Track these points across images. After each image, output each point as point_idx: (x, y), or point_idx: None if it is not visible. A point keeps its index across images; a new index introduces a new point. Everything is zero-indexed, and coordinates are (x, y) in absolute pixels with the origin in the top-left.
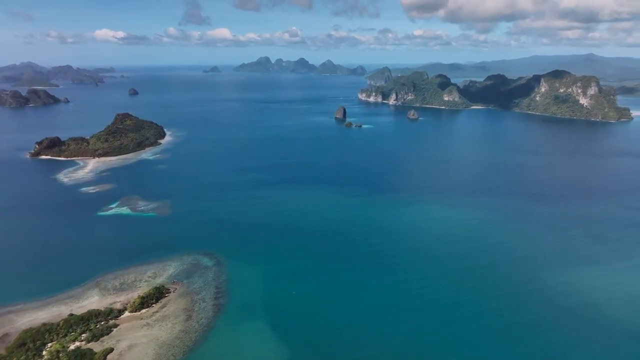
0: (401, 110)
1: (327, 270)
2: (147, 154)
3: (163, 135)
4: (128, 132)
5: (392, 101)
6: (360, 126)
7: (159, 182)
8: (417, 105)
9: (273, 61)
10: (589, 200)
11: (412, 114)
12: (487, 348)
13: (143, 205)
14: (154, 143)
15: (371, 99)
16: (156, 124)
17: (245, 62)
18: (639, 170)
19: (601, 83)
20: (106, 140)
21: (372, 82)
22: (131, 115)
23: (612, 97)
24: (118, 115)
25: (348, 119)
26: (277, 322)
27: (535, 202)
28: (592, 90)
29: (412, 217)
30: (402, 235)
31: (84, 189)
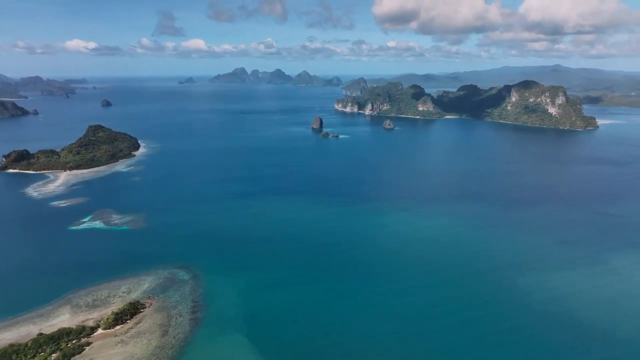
0: (377, 120)
1: (306, 281)
2: (120, 166)
3: (137, 147)
4: (101, 144)
5: (368, 111)
6: (337, 136)
7: (134, 195)
8: (393, 115)
9: (249, 72)
10: (559, 206)
11: (387, 123)
12: (468, 356)
13: (117, 219)
14: (128, 155)
15: (347, 109)
16: (130, 136)
17: (221, 73)
18: (605, 176)
19: (568, 93)
20: (78, 153)
21: (348, 93)
22: (104, 127)
23: (578, 106)
24: (90, 127)
25: (325, 129)
26: (256, 335)
27: (508, 209)
28: (560, 100)
29: (389, 226)
30: (380, 243)
31: (55, 203)
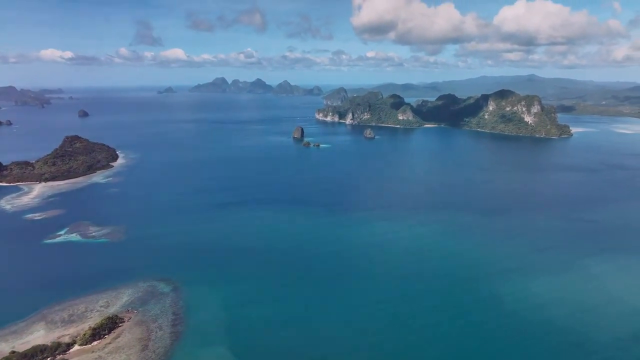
0: (358, 129)
1: (289, 292)
2: (98, 177)
3: (115, 158)
4: (78, 155)
5: (348, 120)
6: (319, 145)
7: (112, 207)
8: (373, 124)
9: (229, 82)
10: (535, 213)
11: (368, 133)
12: None
13: (94, 231)
14: (106, 166)
15: (328, 119)
16: (108, 146)
17: (201, 83)
18: (579, 183)
19: (542, 102)
20: (54, 164)
21: (328, 102)
22: (81, 138)
23: (553, 115)
24: (67, 137)
25: (306, 139)
26: (238, 348)
27: (486, 216)
28: (536, 109)
29: (371, 236)
30: (362, 253)
31: (29, 215)
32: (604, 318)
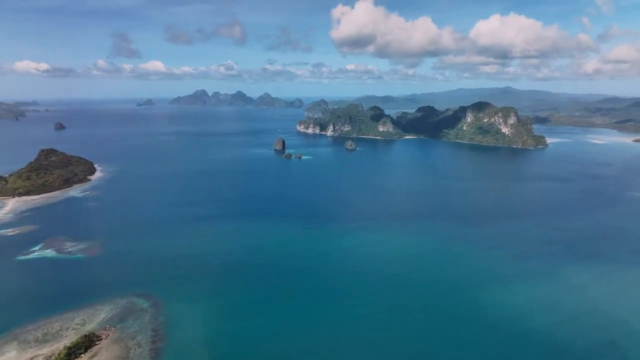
0: (339, 141)
1: (271, 306)
2: (75, 191)
3: (93, 171)
4: (53, 168)
5: (329, 132)
6: (300, 157)
7: (89, 221)
8: (354, 136)
9: (210, 94)
10: (513, 222)
11: (349, 144)
12: None
13: (71, 247)
14: (83, 180)
15: (309, 131)
16: (85, 160)
17: (181, 95)
18: (554, 193)
19: (519, 113)
20: (28, 178)
21: (309, 114)
22: (57, 151)
23: (529, 126)
24: (42, 151)
25: (287, 151)
26: None
27: (465, 226)
28: (512, 120)
29: (353, 247)
30: (345, 265)
31: (1, 231)
32: (583, 325)
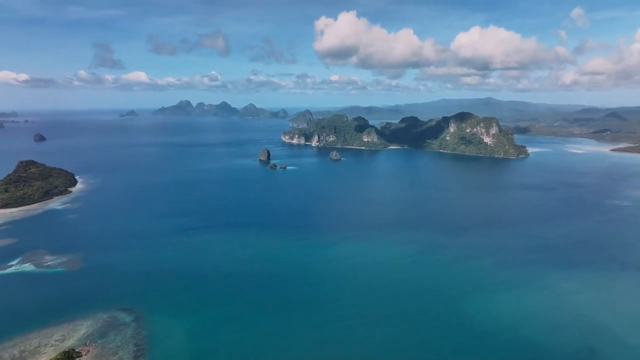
0: (324, 151)
1: (257, 318)
2: (55, 203)
3: (74, 183)
4: (33, 180)
5: (314, 143)
6: (285, 168)
7: (70, 234)
8: (339, 146)
9: (194, 104)
10: (494, 230)
11: (334, 154)
12: None
13: (50, 260)
14: (64, 192)
15: (294, 141)
16: (66, 171)
17: (165, 106)
18: (535, 201)
19: (500, 123)
20: (6, 191)
21: (294, 125)
22: (37, 163)
23: (510, 136)
24: (21, 162)
25: (272, 161)
26: None
27: (448, 234)
28: (494, 130)
29: (338, 257)
30: (330, 275)
31: None
32: (567, 333)
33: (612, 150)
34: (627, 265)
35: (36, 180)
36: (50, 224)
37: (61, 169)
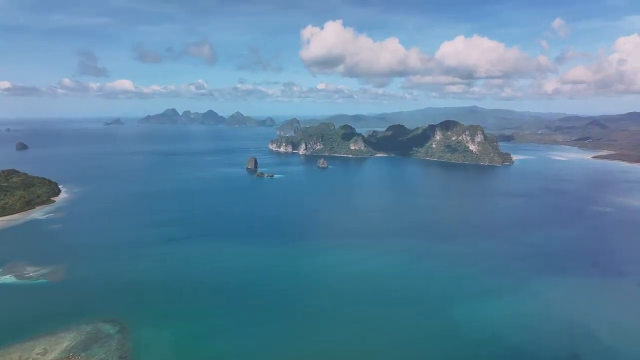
0: (311, 159)
1: (244, 328)
2: (38, 213)
3: (58, 192)
4: (14, 190)
5: (302, 151)
6: (272, 176)
7: (53, 244)
8: (326, 154)
9: (181, 113)
10: (481, 238)
11: (321, 162)
12: None
13: (32, 272)
14: (47, 201)
15: (282, 149)
16: (49, 180)
17: (151, 114)
18: (520, 208)
19: (485, 131)
20: None
21: (281, 133)
22: (19, 172)
23: (495, 143)
24: (2, 171)
25: (260, 169)
26: None
27: (435, 242)
28: (479, 138)
29: (325, 266)
30: (317, 284)
31: None
32: (553, 340)
33: (593, 157)
34: (611, 271)
35: (18, 189)
36: (32, 235)
37: (44, 178)
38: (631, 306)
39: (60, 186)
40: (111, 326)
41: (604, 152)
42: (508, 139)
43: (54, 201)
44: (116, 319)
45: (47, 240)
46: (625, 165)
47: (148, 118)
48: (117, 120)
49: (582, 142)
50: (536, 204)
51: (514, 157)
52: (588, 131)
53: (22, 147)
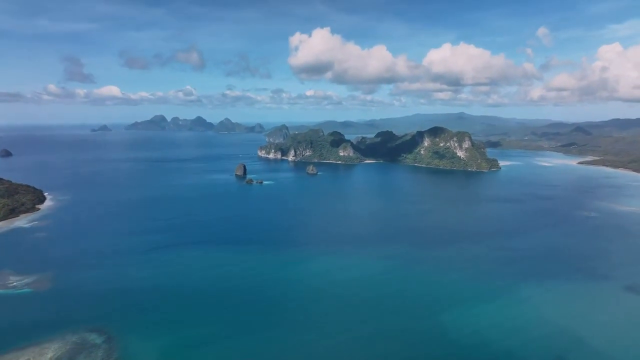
0: (300, 165)
1: (233, 336)
2: (22, 221)
3: (43, 200)
4: None
5: (291, 157)
6: (262, 182)
7: (38, 253)
8: (316, 160)
9: (169, 119)
10: (469, 243)
11: (310, 169)
12: None
13: (16, 281)
14: (32, 209)
15: (271, 156)
16: (34, 188)
17: (139, 121)
18: (508, 213)
19: (472, 138)
20: None
21: (271, 140)
22: (2, 179)
23: (482, 149)
24: None
25: (249, 176)
26: None
27: (424, 248)
28: (467, 144)
29: (315, 272)
30: (307, 291)
31: None
32: (533, 339)
33: (578, 163)
34: (596, 275)
35: (1, 197)
36: (16, 243)
37: (29, 186)
38: (616, 310)
39: (45, 194)
40: (97, 335)
41: (589, 158)
42: (495, 145)
43: (39, 209)
44: (102, 328)
45: (31, 248)
46: (609, 170)
47: (136, 125)
48: (104, 127)
49: (568, 148)
50: (523, 209)
51: (501, 163)
52: (573, 137)
53: (6, 154)
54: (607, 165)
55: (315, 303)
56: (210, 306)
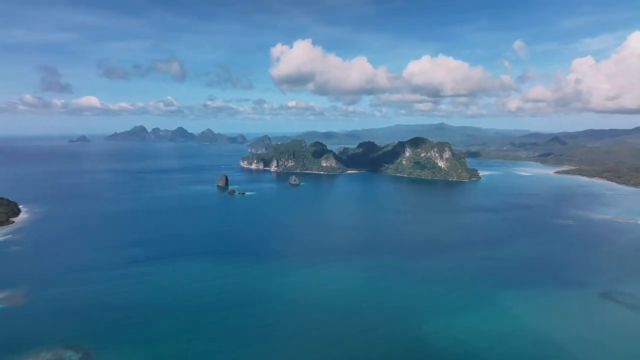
0: (283, 176)
1: (216, 352)
2: None
3: (17, 213)
4: None
5: (273, 168)
6: (244, 193)
7: (11, 267)
8: (298, 171)
9: (149, 130)
10: (450, 253)
11: (293, 179)
12: None
13: None
14: (5, 222)
15: (253, 167)
16: (8, 200)
17: (119, 131)
18: (488, 222)
19: (453, 148)
20: None
21: (253, 150)
22: None
23: (463, 160)
24: None
25: (230, 187)
26: None
27: (405, 258)
28: (447, 155)
29: (297, 285)
30: (288, 304)
31: None
32: (515, 349)
33: (555, 172)
34: (573, 283)
35: None
36: None
37: (2, 198)
38: (592, 317)
39: (20, 206)
40: (73, 352)
41: (565, 168)
42: (475, 155)
43: (13, 222)
44: (79, 344)
45: (4, 263)
46: (584, 179)
47: (115, 135)
48: (83, 138)
49: (545, 157)
50: (502, 218)
51: (481, 173)
52: (549, 147)
53: None
54: (582, 175)
55: (296, 316)
56: (190, 321)
